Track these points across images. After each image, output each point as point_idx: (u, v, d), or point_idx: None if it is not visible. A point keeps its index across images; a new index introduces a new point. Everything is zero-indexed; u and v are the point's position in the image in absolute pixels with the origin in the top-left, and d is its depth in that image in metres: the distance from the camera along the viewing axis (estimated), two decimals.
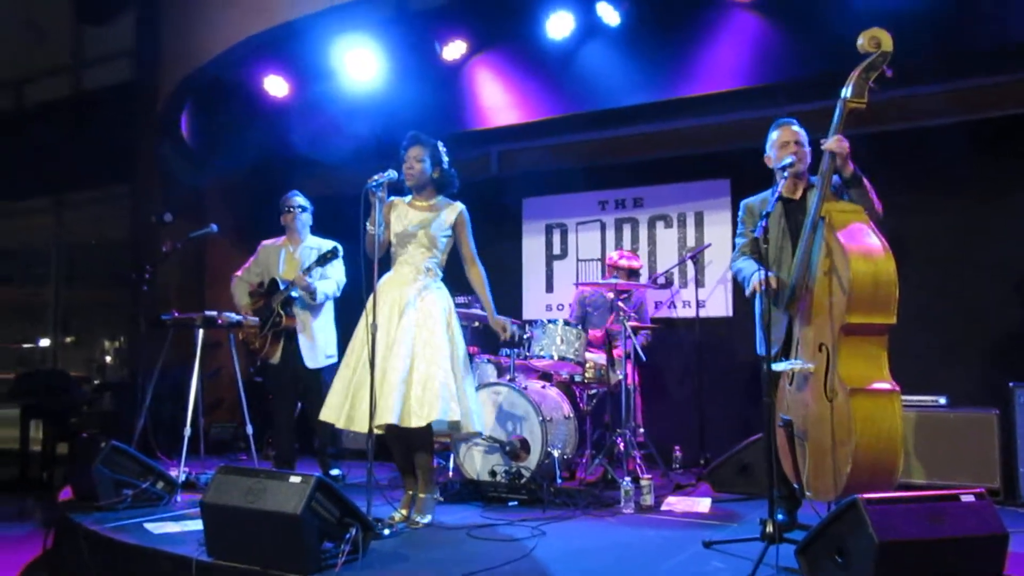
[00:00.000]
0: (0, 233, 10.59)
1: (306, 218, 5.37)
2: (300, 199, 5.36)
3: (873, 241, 3.26)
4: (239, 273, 5.46)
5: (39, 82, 9.53)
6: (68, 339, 9.84)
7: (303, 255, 5.21)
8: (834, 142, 3.37)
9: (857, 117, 3.43)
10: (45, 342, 9.88)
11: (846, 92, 3.38)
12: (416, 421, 3.77)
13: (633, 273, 5.97)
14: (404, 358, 3.81)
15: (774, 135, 3.75)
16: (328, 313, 5.30)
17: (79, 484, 4.37)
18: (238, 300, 5.35)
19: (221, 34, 6.50)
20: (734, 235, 6.24)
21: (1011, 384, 4.68)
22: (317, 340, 5.16)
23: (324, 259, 4.97)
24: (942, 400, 4.86)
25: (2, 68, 9.80)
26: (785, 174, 3.56)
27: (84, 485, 4.25)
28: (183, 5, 6.99)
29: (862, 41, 3.35)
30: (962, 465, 4.59)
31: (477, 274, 4.20)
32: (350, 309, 5.16)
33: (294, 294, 5.09)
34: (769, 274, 3.33)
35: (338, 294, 5.25)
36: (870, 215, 3.39)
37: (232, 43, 6.35)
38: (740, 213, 3.90)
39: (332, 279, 5.19)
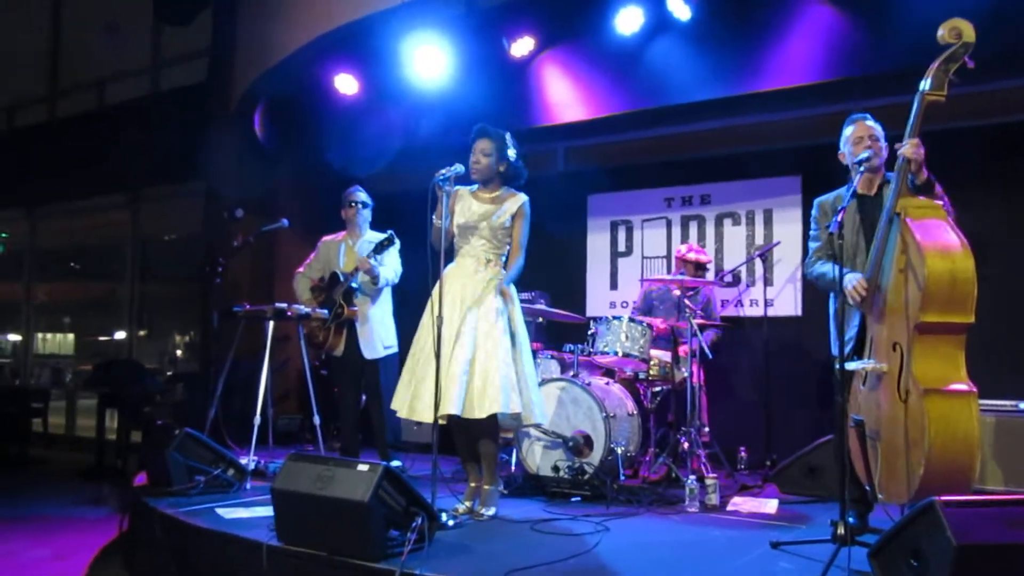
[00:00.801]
0: (80, 230, 11.00)
1: (367, 214, 5.46)
2: (362, 195, 5.45)
3: (951, 237, 3.15)
4: (301, 269, 5.57)
5: (119, 82, 9.86)
6: (142, 332, 10.16)
7: (362, 249, 5.28)
8: (910, 148, 3.26)
9: (938, 110, 3.32)
10: (121, 335, 10.23)
11: (925, 85, 3.27)
12: (478, 412, 3.79)
13: (701, 267, 5.90)
14: (467, 349, 3.84)
15: (848, 130, 3.67)
16: (387, 304, 5.36)
17: (153, 470, 4.51)
18: (300, 295, 5.46)
19: (293, 34, 6.63)
20: (805, 233, 6.17)
21: None
22: (376, 331, 5.23)
23: (381, 247, 5.05)
24: (1023, 405, 4.68)
25: (85, 69, 10.19)
26: (861, 169, 3.47)
27: (158, 471, 4.38)
28: (258, 5, 7.16)
29: (942, 32, 3.24)
30: None
31: (516, 258, 4.13)
32: (409, 301, 5.23)
33: (354, 284, 5.17)
34: (862, 277, 3.24)
35: (396, 280, 5.30)
36: None
37: (304, 42, 6.47)
38: (813, 212, 3.81)
39: (389, 266, 5.25)
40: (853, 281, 3.39)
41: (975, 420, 3.04)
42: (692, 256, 5.90)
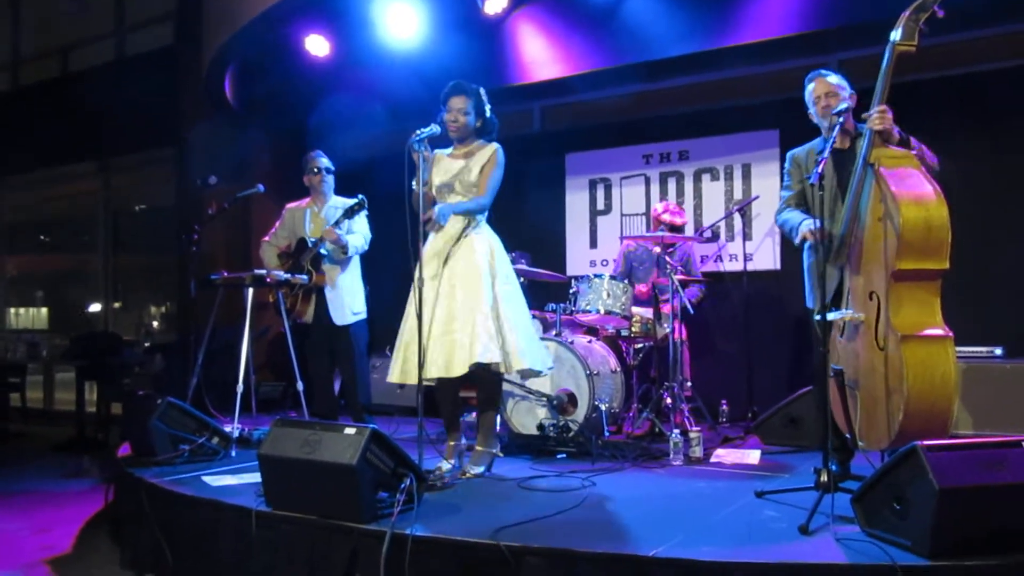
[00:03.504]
0: (49, 201, 10.81)
1: (331, 180, 5.41)
2: (325, 160, 5.39)
3: (924, 186, 3.17)
4: (267, 238, 5.51)
5: (83, 49, 9.64)
6: (117, 304, 10.06)
7: (328, 214, 5.24)
8: (877, 119, 3.25)
9: (908, 61, 3.30)
10: (95, 307, 10.11)
11: (895, 35, 3.25)
12: (459, 369, 3.79)
13: (676, 229, 5.91)
14: (445, 308, 3.84)
15: (810, 87, 3.67)
16: (355, 270, 5.33)
17: (137, 440, 4.49)
18: (267, 263, 5.40)
19: None
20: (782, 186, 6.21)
21: None
22: (345, 297, 5.20)
23: (351, 211, 5.00)
24: (998, 351, 4.77)
25: (47, 36, 9.94)
26: (840, 120, 3.46)
27: (142, 441, 4.36)
28: None
29: None
30: (1014, 417, 4.50)
31: (478, 198, 4.02)
32: (379, 267, 5.20)
33: (323, 251, 5.13)
34: (818, 222, 3.27)
35: (366, 247, 5.26)
36: (927, 170, 3.30)
37: (273, 2, 6.32)
38: (786, 165, 3.83)
39: (359, 233, 5.21)
40: (809, 225, 3.44)
41: (952, 364, 3.09)
42: (667, 218, 5.92)
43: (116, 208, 9.84)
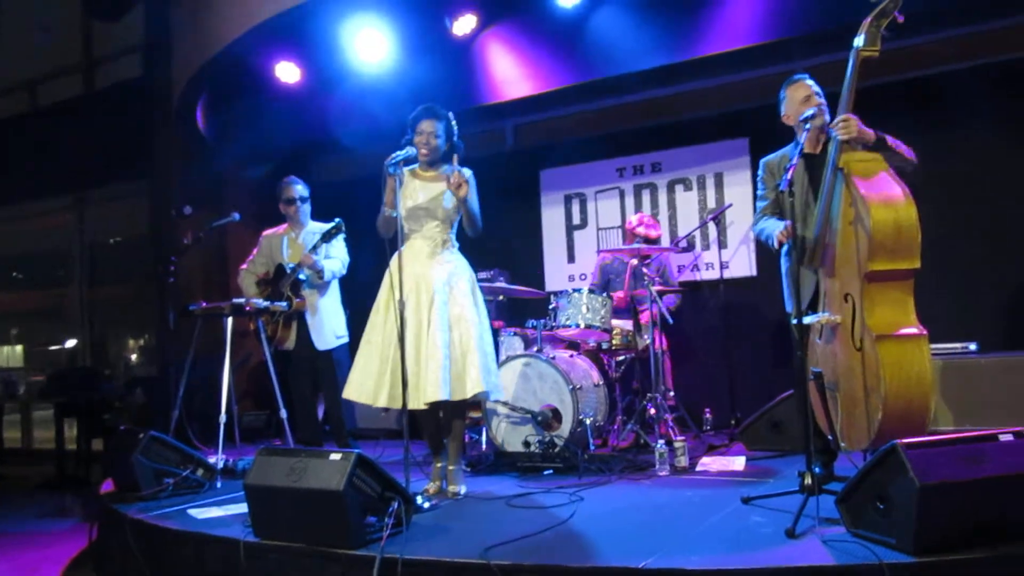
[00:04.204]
0: (21, 236, 10.70)
1: (306, 207, 5.43)
2: (300, 187, 5.40)
3: (893, 188, 3.24)
4: (244, 266, 5.51)
5: (52, 82, 9.59)
6: (94, 338, 9.95)
7: (306, 240, 5.25)
8: (842, 130, 3.30)
9: (873, 66, 3.37)
10: (72, 342, 10.01)
11: (859, 41, 3.32)
12: (459, 395, 3.81)
13: (652, 242, 5.96)
14: (443, 332, 3.83)
15: (788, 91, 3.72)
16: (335, 294, 5.33)
17: (120, 476, 4.44)
18: (246, 291, 5.39)
19: (231, 23, 6.49)
20: (755, 194, 6.27)
21: None
22: (326, 321, 5.21)
23: (328, 236, 5.00)
24: (972, 346, 4.84)
25: (15, 70, 9.87)
26: (807, 126, 3.52)
27: (125, 476, 4.32)
28: None
29: None
30: (993, 410, 4.56)
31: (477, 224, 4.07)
32: (358, 290, 5.18)
33: (301, 276, 5.13)
34: (788, 223, 3.32)
35: (344, 272, 5.28)
36: (906, 167, 3.36)
37: (242, 31, 6.33)
38: (760, 172, 3.87)
39: (336, 258, 5.22)
40: (780, 227, 3.49)
41: (927, 362, 3.15)
42: (642, 231, 5.97)
43: (91, 241, 9.76)
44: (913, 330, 3.19)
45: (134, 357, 10.08)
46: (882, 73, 5.27)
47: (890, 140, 3.41)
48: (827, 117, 3.60)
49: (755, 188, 6.26)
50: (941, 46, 5.63)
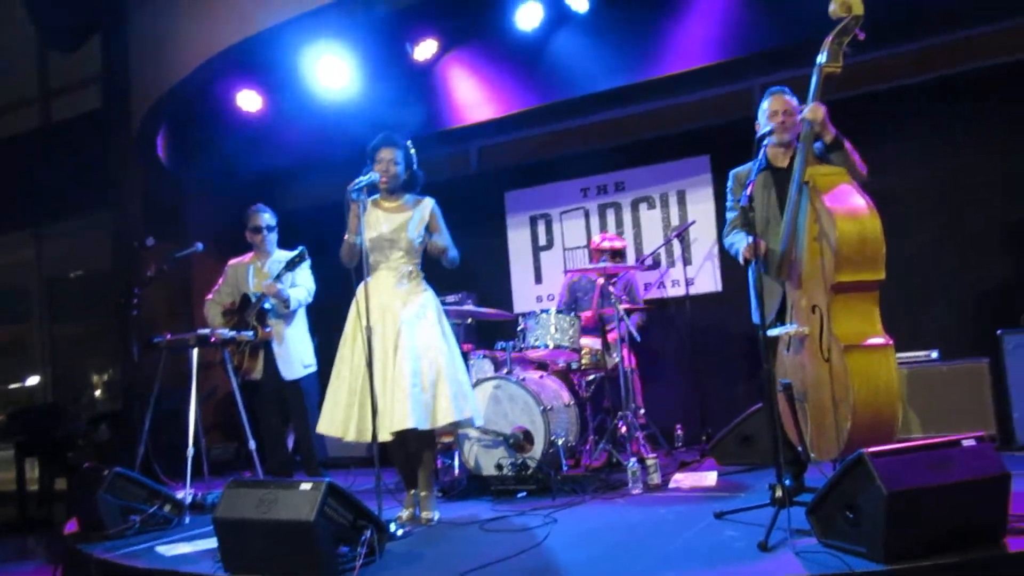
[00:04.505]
0: None
1: (273, 236, 5.37)
2: (266, 216, 5.33)
3: (857, 201, 3.30)
4: (210, 296, 5.43)
5: (8, 115, 9.44)
6: (56, 374, 9.75)
7: (272, 269, 5.17)
8: (809, 110, 3.40)
9: (836, 81, 3.44)
10: (34, 380, 9.79)
11: (821, 58, 3.39)
12: (431, 423, 3.79)
13: (618, 253, 6.00)
14: (410, 361, 3.81)
15: (765, 103, 3.73)
16: (302, 323, 5.27)
17: (84, 515, 4.34)
18: (212, 321, 5.31)
19: (191, 52, 6.47)
20: (718, 210, 6.37)
21: (999, 332, 4.73)
22: (294, 351, 5.14)
23: (292, 264, 4.93)
24: (934, 354, 4.93)
25: None
26: (764, 143, 3.57)
27: (90, 515, 4.22)
28: (151, 26, 6.95)
29: (833, 7, 3.36)
30: (958, 416, 4.65)
31: (451, 250, 4.12)
32: (326, 318, 5.15)
33: (267, 306, 5.07)
34: (753, 239, 3.37)
35: (310, 300, 5.22)
36: (854, 176, 3.42)
37: (202, 60, 6.32)
38: (729, 183, 3.88)
39: (302, 286, 5.17)
40: (749, 240, 3.50)
41: (894, 371, 3.20)
42: (607, 244, 6.00)
43: (51, 276, 9.59)
44: (880, 340, 3.23)
45: (97, 393, 9.89)
46: (844, 88, 5.39)
47: (847, 145, 3.46)
48: (792, 134, 3.63)
49: (718, 204, 6.40)
50: (902, 60, 5.74)
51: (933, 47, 5.66)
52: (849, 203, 3.28)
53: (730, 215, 3.88)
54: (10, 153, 8.85)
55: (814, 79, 3.40)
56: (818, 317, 3.31)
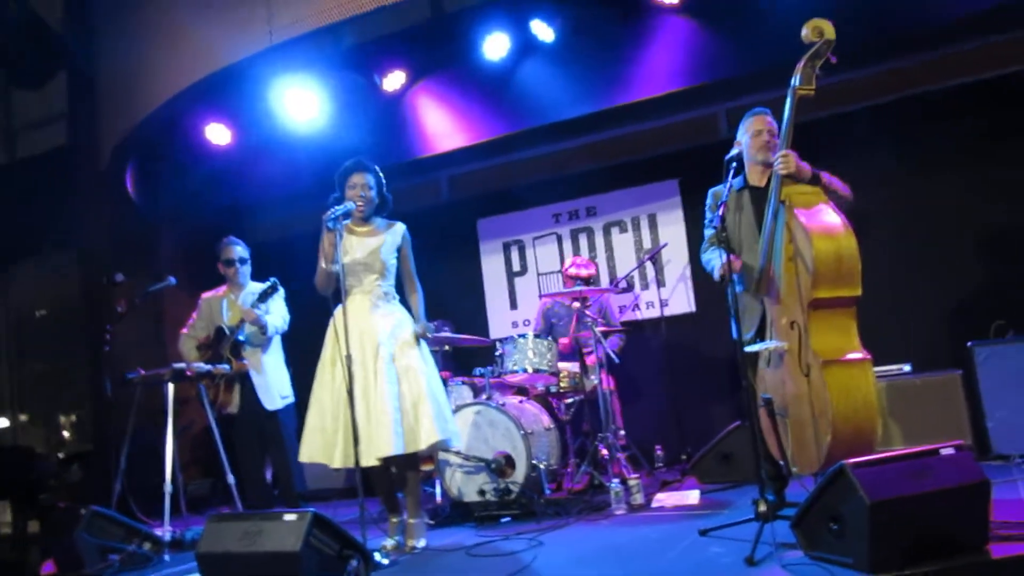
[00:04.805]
0: None
1: (246, 269, 5.32)
2: (239, 249, 5.28)
3: (833, 219, 3.37)
4: (185, 330, 5.38)
5: None
6: (24, 416, 9.56)
7: (245, 300, 5.12)
8: (781, 165, 3.43)
9: (808, 103, 3.51)
10: (3, 422, 9.59)
11: (795, 81, 3.46)
12: (414, 447, 3.79)
13: (588, 282, 6.04)
14: (391, 385, 3.81)
15: (747, 123, 3.77)
16: (278, 352, 5.23)
17: (61, 556, 4.26)
18: (187, 356, 5.25)
19: (159, 86, 6.45)
20: (688, 233, 6.45)
21: (969, 344, 4.83)
22: (271, 381, 5.09)
23: (265, 295, 4.90)
24: (907, 367, 5.01)
25: None
26: (732, 164, 3.60)
27: (67, 556, 4.15)
28: (117, 62, 6.93)
29: (806, 32, 3.44)
30: (934, 427, 4.71)
31: (414, 292, 4.18)
32: (300, 349, 5.12)
33: (241, 337, 5.04)
34: (730, 257, 3.42)
35: (286, 328, 5.19)
36: (840, 202, 3.48)
37: (170, 95, 6.31)
38: (707, 200, 3.90)
39: (276, 314, 5.13)
40: (720, 259, 3.57)
41: (872, 385, 3.26)
42: (573, 271, 6.06)
43: (17, 316, 9.42)
44: (858, 355, 3.29)
45: (66, 434, 9.69)
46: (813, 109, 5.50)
47: (825, 177, 3.55)
48: (768, 155, 3.67)
49: (689, 227, 6.49)
50: (868, 82, 5.85)
51: (900, 68, 5.76)
52: (824, 222, 3.35)
53: (707, 232, 3.93)
54: None
55: (788, 101, 3.47)
56: (796, 333, 3.37)
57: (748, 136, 3.74)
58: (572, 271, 6.06)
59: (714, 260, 3.74)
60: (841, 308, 3.33)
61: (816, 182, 3.52)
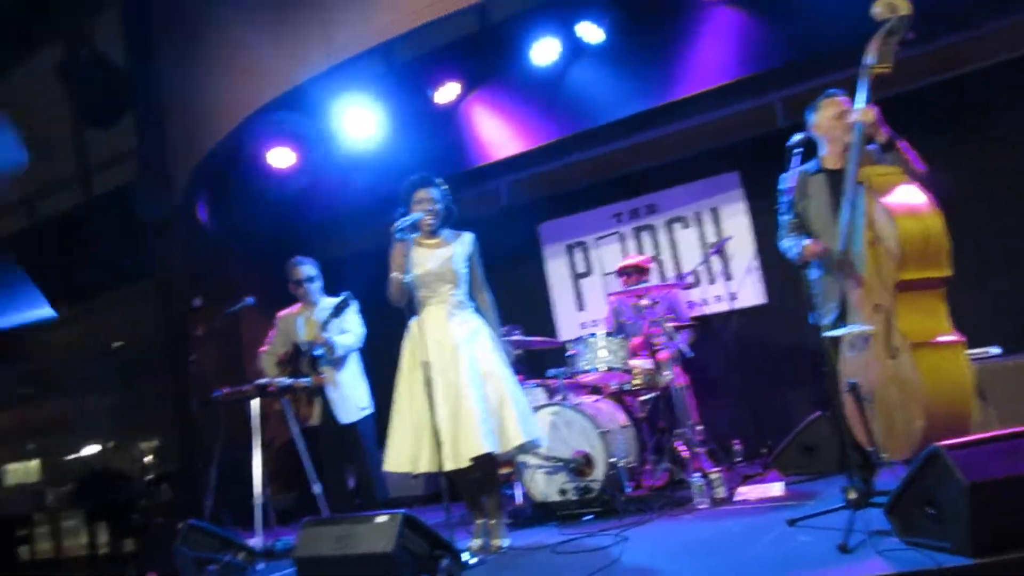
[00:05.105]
0: (33, 350, 10.72)
1: (316, 286, 5.40)
2: (307, 268, 5.37)
3: (917, 198, 3.27)
4: (264, 348, 5.51)
5: (50, 195, 9.73)
6: (112, 443, 9.93)
7: (320, 316, 5.21)
8: (861, 112, 3.37)
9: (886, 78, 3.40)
10: (91, 449, 9.98)
11: (869, 60, 3.36)
12: (504, 447, 3.84)
13: (642, 269, 6.02)
14: (475, 387, 3.86)
15: (824, 104, 3.70)
16: (355, 366, 5.31)
17: (160, 570, 4.42)
18: (267, 372, 5.38)
19: (224, 115, 6.67)
20: (752, 225, 6.38)
21: None
22: (349, 394, 5.18)
23: (338, 310, 4.97)
24: (994, 350, 4.82)
25: (12, 187, 10.01)
26: (796, 149, 3.55)
27: (165, 570, 4.30)
28: (182, 94, 7.18)
29: (879, 9, 3.34)
30: None
31: (485, 300, 4.23)
32: (379, 361, 5.20)
33: (317, 353, 5.14)
34: (809, 241, 3.37)
35: (360, 344, 5.26)
36: (911, 175, 3.39)
37: (236, 122, 6.51)
38: (781, 187, 3.81)
39: (351, 332, 5.21)
40: (800, 246, 3.53)
41: (965, 367, 3.14)
42: (624, 262, 6.04)
43: (98, 348, 9.79)
44: (950, 337, 3.19)
45: (149, 458, 10.02)
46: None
47: (900, 144, 3.44)
48: (844, 137, 3.57)
49: (752, 219, 6.42)
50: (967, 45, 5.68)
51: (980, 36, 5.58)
52: (909, 201, 3.25)
53: (783, 219, 3.87)
54: (54, 233, 9.11)
55: (864, 81, 3.40)
56: (882, 316, 3.28)
57: (828, 118, 3.67)
58: (623, 262, 6.07)
59: (794, 247, 3.68)
60: (930, 289, 3.23)
61: (892, 147, 3.42)
